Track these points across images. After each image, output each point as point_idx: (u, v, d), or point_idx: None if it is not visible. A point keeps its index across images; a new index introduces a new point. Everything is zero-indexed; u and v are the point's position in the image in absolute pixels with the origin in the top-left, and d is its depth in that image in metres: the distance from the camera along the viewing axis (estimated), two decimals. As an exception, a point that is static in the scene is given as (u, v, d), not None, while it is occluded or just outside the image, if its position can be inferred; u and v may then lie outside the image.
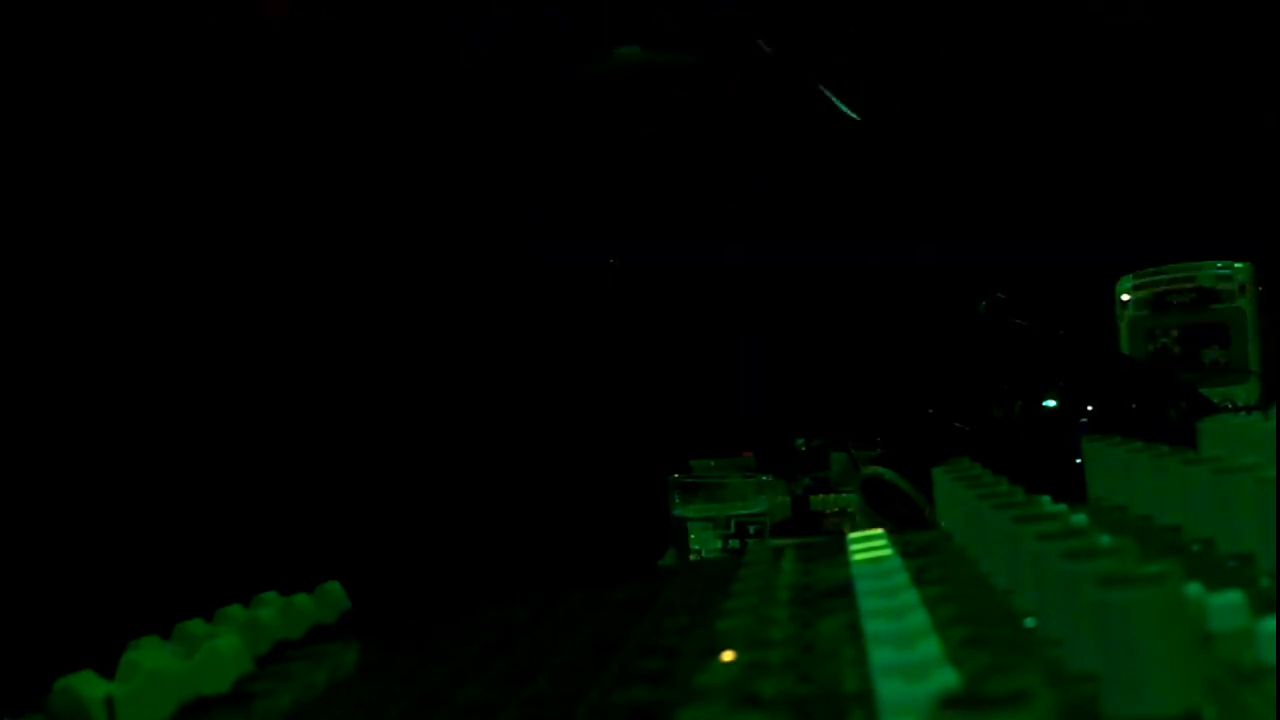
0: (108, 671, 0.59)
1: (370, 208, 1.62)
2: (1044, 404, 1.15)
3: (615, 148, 1.77)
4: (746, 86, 1.82)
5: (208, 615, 0.67)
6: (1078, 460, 0.74)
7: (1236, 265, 1.49)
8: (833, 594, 0.57)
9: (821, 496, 1.41)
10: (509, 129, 1.67)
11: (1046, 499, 0.58)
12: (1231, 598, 0.42)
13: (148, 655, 0.60)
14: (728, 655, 0.47)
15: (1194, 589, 0.43)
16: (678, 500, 1.22)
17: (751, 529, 1.20)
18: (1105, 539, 0.44)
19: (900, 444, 1.25)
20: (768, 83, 1.78)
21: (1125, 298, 1.55)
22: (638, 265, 1.76)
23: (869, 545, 0.66)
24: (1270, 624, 0.39)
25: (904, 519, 1.20)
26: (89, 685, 0.57)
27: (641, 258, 1.77)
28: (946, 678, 0.40)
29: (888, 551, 0.64)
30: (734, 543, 1.19)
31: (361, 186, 1.62)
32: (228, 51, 1.60)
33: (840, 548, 0.68)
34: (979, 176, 1.91)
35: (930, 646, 0.44)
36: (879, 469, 1.23)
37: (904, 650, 0.44)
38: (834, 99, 1.10)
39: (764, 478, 1.25)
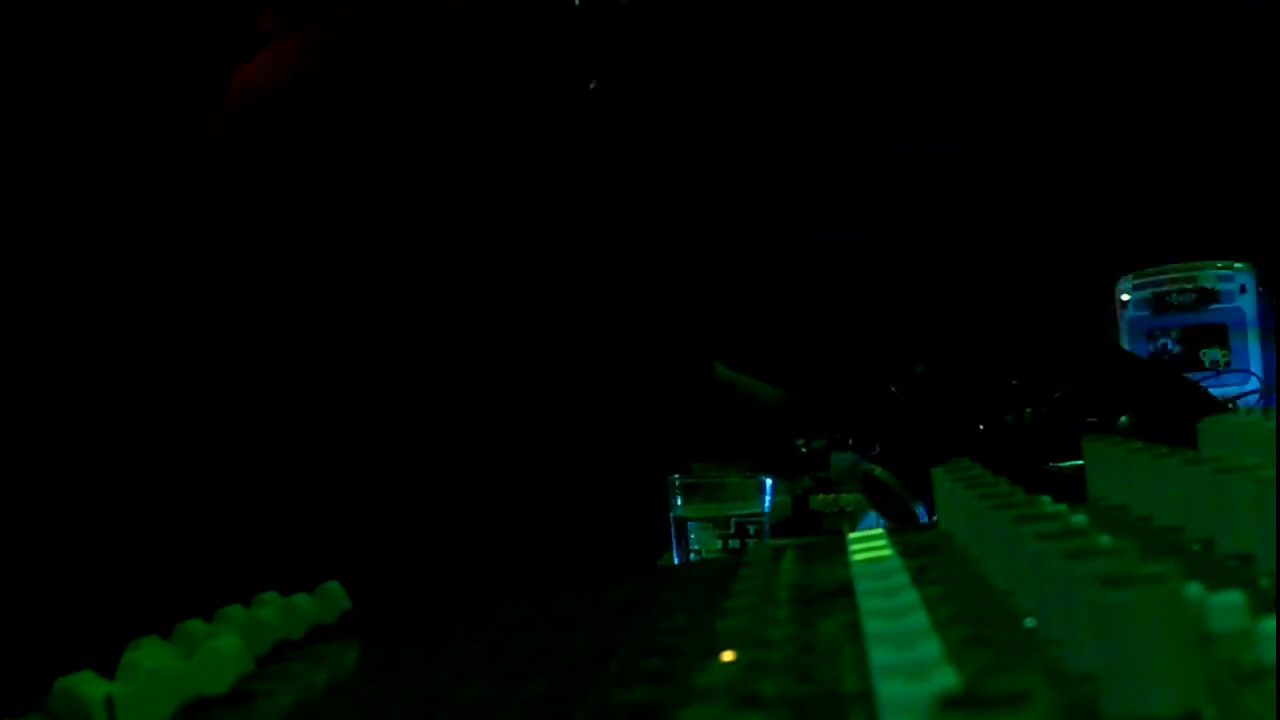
0: (108, 671, 0.59)
1: (366, 206, 1.62)
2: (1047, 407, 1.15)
3: (613, 146, 1.77)
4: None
5: (208, 615, 0.67)
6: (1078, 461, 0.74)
7: (1236, 265, 1.50)
8: (833, 594, 0.57)
9: (821, 496, 1.41)
10: (513, 124, 1.67)
11: (1047, 499, 0.58)
12: (1231, 598, 0.42)
13: (148, 655, 0.60)
14: (728, 655, 0.47)
15: (1194, 589, 0.43)
16: (678, 500, 1.22)
17: (751, 529, 1.20)
18: (1105, 539, 0.44)
19: (900, 444, 1.26)
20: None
21: (1125, 298, 1.56)
22: (638, 264, 1.76)
23: (869, 545, 0.66)
24: (1270, 624, 0.39)
25: (899, 518, 1.21)
26: (89, 685, 0.57)
27: (643, 256, 1.77)
28: (946, 678, 0.40)
29: (888, 551, 0.64)
30: (734, 543, 1.19)
31: (359, 186, 1.62)
32: (225, 51, 1.60)
33: (840, 548, 0.68)
34: (980, 176, 1.91)
35: (930, 646, 0.44)
36: (874, 468, 1.23)
37: (904, 650, 0.44)
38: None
39: (764, 478, 1.25)
